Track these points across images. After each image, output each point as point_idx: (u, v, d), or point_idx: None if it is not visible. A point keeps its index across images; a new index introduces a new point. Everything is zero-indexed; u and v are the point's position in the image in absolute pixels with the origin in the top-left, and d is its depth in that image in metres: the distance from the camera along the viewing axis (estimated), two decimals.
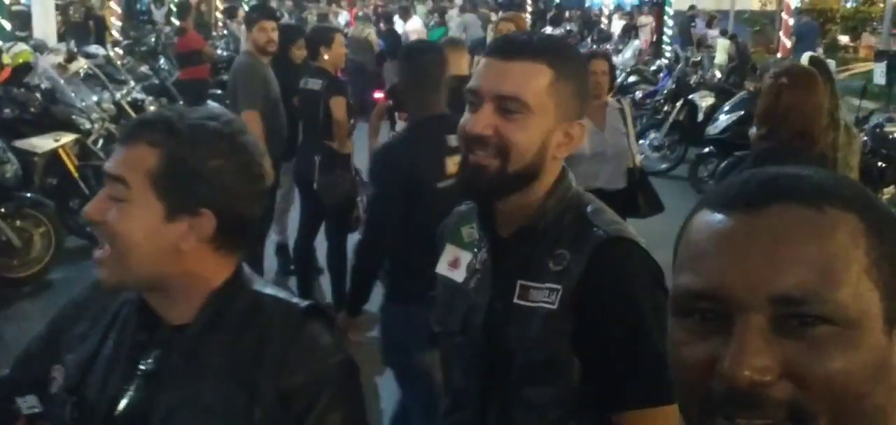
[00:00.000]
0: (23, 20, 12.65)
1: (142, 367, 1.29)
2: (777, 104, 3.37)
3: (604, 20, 22.27)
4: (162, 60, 12.18)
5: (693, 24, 17.69)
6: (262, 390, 1.24)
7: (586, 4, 27.21)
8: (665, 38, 16.64)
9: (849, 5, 21.69)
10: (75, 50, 9.19)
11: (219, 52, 12.76)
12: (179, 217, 1.25)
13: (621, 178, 4.70)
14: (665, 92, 10.82)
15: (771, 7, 20.57)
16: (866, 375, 0.70)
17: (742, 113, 8.32)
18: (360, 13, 19.16)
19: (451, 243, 1.70)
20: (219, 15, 17.98)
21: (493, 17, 16.23)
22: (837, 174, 0.81)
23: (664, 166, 9.75)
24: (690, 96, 10.04)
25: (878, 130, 7.33)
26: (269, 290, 1.37)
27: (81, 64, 8.35)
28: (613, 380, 1.47)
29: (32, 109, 6.64)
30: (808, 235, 0.70)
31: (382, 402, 4.05)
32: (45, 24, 11.63)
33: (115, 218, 1.24)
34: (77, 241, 6.30)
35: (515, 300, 1.51)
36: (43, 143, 6.43)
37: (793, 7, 11.13)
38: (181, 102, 9.03)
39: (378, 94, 7.91)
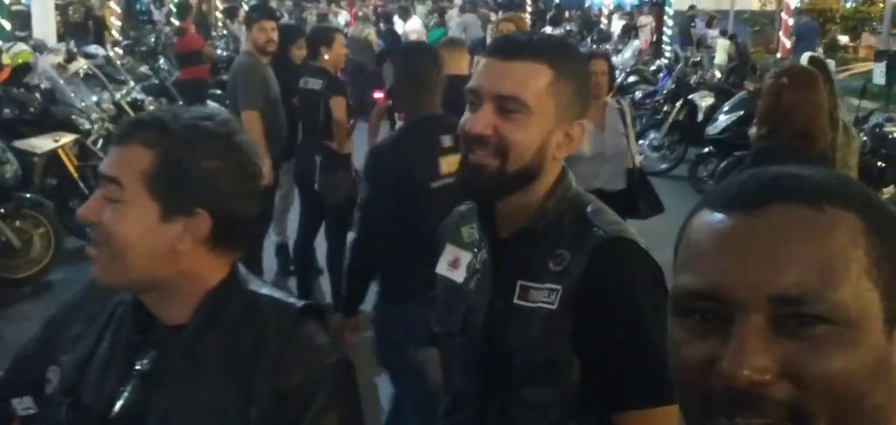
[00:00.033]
0: (22, 20, 12.67)
1: (138, 368, 1.28)
2: (778, 104, 3.38)
3: (603, 20, 22.26)
4: (162, 60, 12.19)
5: (693, 24, 17.68)
6: (259, 390, 1.24)
7: (586, 4, 27.21)
8: (665, 39, 16.66)
9: (848, 5, 21.71)
10: (75, 50, 9.20)
11: (219, 52, 12.76)
12: (174, 217, 1.25)
13: (621, 179, 4.69)
14: (665, 92, 10.82)
15: (771, 7, 20.58)
16: (866, 375, 0.69)
17: (742, 113, 8.32)
18: (360, 13, 19.17)
19: (451, 243, 1.69)
20: (219, 15, 17.99)
21: (493, 17, 16.29)
22: (838, 173, 0.81)
23: (664, 166, 9.74)
24: (690, 96, 10.03)
25: (877, 130, 7.35)
26: (265, 290, 1.37)
27: (81, 64, 8.35)
28: (613, 380, 1.47)
29: (32, 110, 6.64)
30: (808, 235, 0.70)
31: (380, 402, 4.05)
32: (45, 24, 11.65)
33: (110, 219, 1.23)
34: (77, 242, 6.28)
35: (515, 300, 1.51)
36: (42, 144, 6.43)
37: (792, 7, 11.13)
38: (181, 102, 9.01)
39: (378, 94, 7.90)
